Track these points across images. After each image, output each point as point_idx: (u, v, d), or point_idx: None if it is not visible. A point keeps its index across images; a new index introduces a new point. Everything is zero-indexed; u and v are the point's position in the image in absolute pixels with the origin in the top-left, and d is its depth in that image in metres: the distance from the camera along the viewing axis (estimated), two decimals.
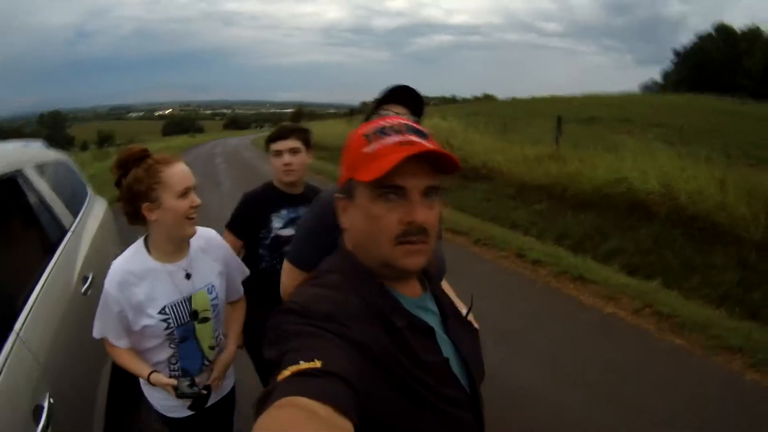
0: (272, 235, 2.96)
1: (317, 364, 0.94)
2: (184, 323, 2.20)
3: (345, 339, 1.06)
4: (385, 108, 2.19)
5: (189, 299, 2.20)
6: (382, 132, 1.24)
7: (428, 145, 1.20)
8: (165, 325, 2.14)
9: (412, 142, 1.20)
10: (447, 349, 1.32)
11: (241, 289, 2.63)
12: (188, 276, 2.21)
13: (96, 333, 2.19)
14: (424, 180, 1.21)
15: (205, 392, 2.16)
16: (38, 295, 2.64)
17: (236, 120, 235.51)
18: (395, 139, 1.22)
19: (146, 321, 2.10)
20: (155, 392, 2.31)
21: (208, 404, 2.39)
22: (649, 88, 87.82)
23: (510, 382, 4.36)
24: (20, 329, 2.27)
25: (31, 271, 2.85)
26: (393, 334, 1.19)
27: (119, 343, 2.18)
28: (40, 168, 3.64)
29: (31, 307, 2.50)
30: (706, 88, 53.04)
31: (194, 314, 2.22)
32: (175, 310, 2.16)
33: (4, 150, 3.50)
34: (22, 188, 3.17)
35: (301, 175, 2.96)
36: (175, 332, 2.17)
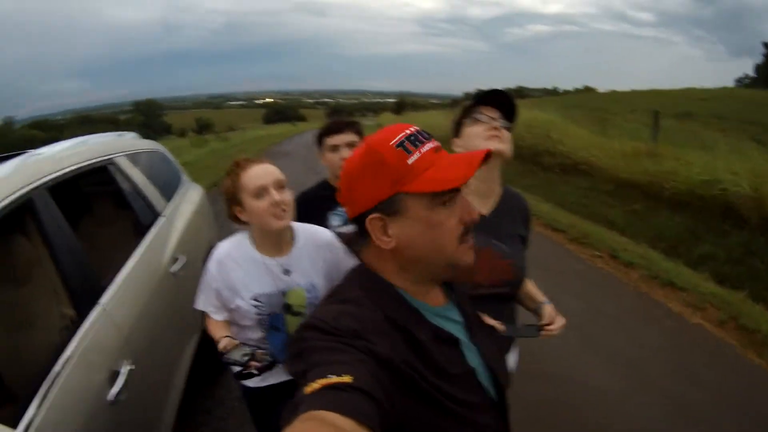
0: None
1: (346, 378, 0.94)
2: (276, 313, 2.26)
3: (371, 354, 1.06)
4: (479, 111, 2.14)
5: (285, 293, 2.25)
6: (416, 140, 1.21)
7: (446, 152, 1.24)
8: (256, 310, 2.22)
9: (440, 148, 1.24)
10: (473, 358, 1.32)
11: None
12: (286, 272, 2.26)
13: (197, 304, 2.34)
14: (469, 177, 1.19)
15: (256, 364, 2.12)
16: (127, 273, 2.92)
17: (338, 109, 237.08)
18: (429, 146, 1.22)
19: (239, 302, 2.21)
20: None
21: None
22: (743, 82, 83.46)
23: (588, 385, 4.37)
24: (107, 302, 2.55)
25: (122, 252, 3.14)
26: (416, 347, 1.19)
27: (216, 316, 2.31)
28: (132, 157, 3.95)
29: (120, 283, 2.78)
30: None
31: (287, 307, 2.26)
32: (267, 300, 2.22)
33: (96, 141, 3.81)
34: (114, 176, 3.48)
35: None
36: (266, 319, 2.26)
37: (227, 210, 2.24)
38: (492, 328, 1.57)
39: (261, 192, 2.11)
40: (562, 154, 13.23)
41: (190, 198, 5.00)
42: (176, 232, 4.03)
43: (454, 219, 1.22)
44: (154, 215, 3.84)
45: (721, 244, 7.71)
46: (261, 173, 2.15)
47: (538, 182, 12.83)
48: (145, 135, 5.06)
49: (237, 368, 2.09)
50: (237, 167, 2.19)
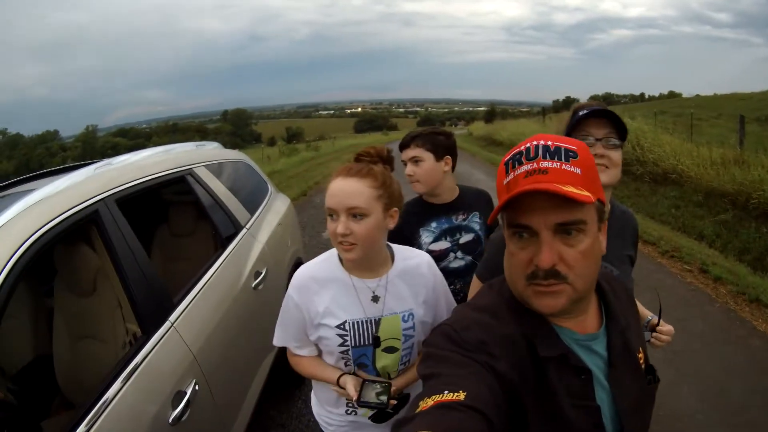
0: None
1: (461, 396, 0.94)
2: (362, 346, 1.95)
3: (491, 371, 1.05)
4: (585, 129, 1.92)
5: (377, 322, 1.95)
6: (517, 160, 1.13)
7: (557, 174, 1.08)
8: (340, 341, 1.93)
9: (541, 171, 1.09)
10: (602, 397, 1.21)
11: None
12: (375, 298, 1.95)
13: (276, 341, 2.08)
14: (554, 216, 1.07)
15: (395, 402, 1.88)
16: (201, 289, 2.80)
17: (430, 118, 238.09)
18: (525, 168, 1.11)
19: (322, 332, 1.93)
20: (322, 409, 2.18)
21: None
22: None
23: (670, 408, 4.14)
24: (176, 320, 2.43)
25: (199, 266, 3.04)
26: (538, 365, 1.14)
27: (302, 351, 2.04)
28: (213, 167, 3.88)
29: (192, 299, 2.66)
30: None
31: (376, 340, 1.95)
32: (355, 329, 1.93)
33: (175, 151, 3.75)
34: (192, 187, 3.40)
35: (433, 184, 2.69)
36: (350, 352, 1.95)
37: None
38: (643, 374, 1.35)
39: (332, 214, 1.82)
40: (652, 163, 12.83)
41: (276, 209, 4.91)
42: (259, 246, 3.93)
43: (524, 255, 1.13)
44: (236, 228, 3.75)
45: None
46: (336, 192, 1.81)
47: (628, 193, 12.47)
48: (234, 143, 5.02)
49: (372, 410, 1.87)
50: (333, 173, 1.88)
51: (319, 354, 2.05)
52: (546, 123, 26.01)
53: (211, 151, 4.27)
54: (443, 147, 2.69)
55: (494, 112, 71.26)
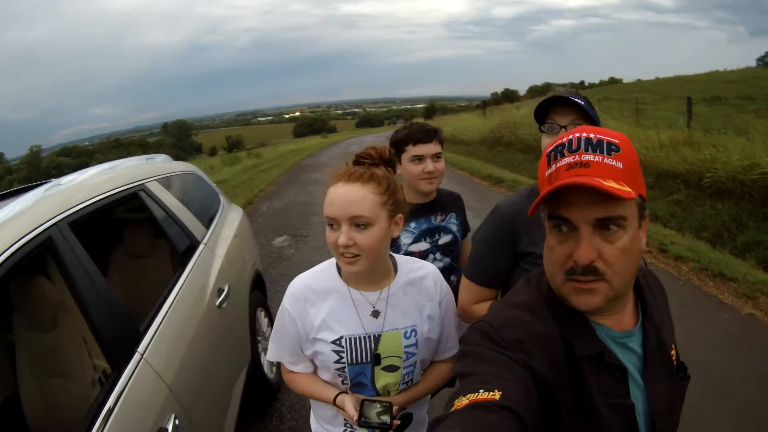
0: (402, 252, 2.56)
1: (496, 395, 0.95)
2: (359, 363, 1.80)
3: (528, 370, 1.06)
4: (551, 119, 1.98)
5: (376, 338, 1.80)
6: (560, 152, 1.12)
7: (599, 168, 1.06)
8: (336, 357, 1.78)
9: (582, 164, 1.07)
10: (636, 395, 1.21)
11: (455, 348, 1.97)
12: (375, 314, 1.80)
13: (270, 356, 1.93)
14: (594, 211, 1.06)
15: (398, 422, 1.74)
16: (166, 313, 2.61)
17: (368, 118, 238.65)
18: (567, 160, 1.10)
19: (317, 347, 1.79)
20: (320, 426, 2.01)
21: None
22: (765, 61, 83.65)
23: None
24: (144, 350, 2.25)
25: (161, 288, 2.85)
26: (574, 363, 1.13)
27: (297, 367, 1.89)
28: (164, 181, 3.66)
29: (158, 326, 2.47)
30: None
31: (376, 358, 1.80)
32: (352, 345, 1.78)
33: (124, 167, 3.52)
34: (145, 203, 3.19)
35: (440, 183, 2.62)
36: (346, 369, 1.80)
37: None
38: (674, 369, 1.34)
39: (332, 223, 1.66)
40: None
41: (230, 221, 4.71)
42: (218, 261, 3.75)
43: (563, 250, 1.11)
44: (193, 244, 3.55)
45: (765, 229, 7.63)
46: (337, 200, 1.65)
47: None
48: (176, 156, 4.81)
49: (373, 430, 1.71)
50: (331, 177, 1.72)
51: (315, 370, 1.90)
52: (487, 115, 26.18)
53: (161, 164, 4.02)
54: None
55: (433, 108, 71.24)
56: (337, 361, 1.78)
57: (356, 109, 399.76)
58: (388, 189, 1.69)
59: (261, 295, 4.78)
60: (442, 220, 2.66)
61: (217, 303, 3.26)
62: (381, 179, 1.69)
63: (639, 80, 46.36)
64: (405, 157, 2.54)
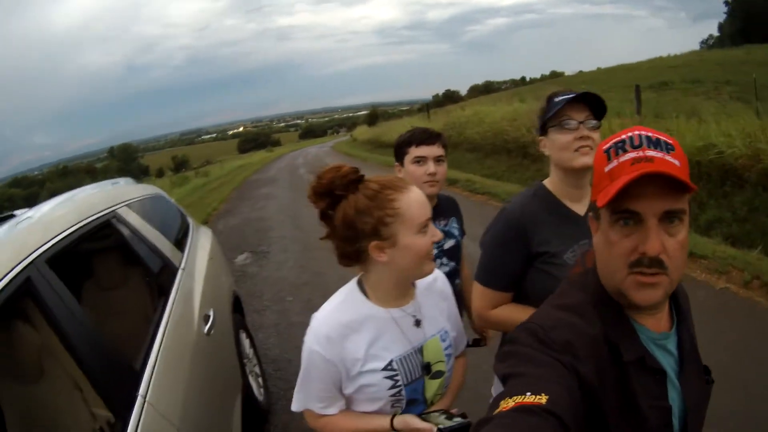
0: None
1: (543, 399, 0.94)
2: (415, 380, 1.71)
3: (575, 375, 1.06)
4: (566, 114, 1.95)
5: (420, 350, 1.72)
6: (621, 147, 1.13)
7: (663, 164, 1.07)
8: (391, 383, 1.65)
9: (647, 159, 1.08)
10: (674, 396, 1.22)
11: (464, 341, 2.06)
12: (418, 323, 1.73)
13: (296, 406, 1.75)
14: (662, 203, 1.07)
15: (469, 419, 1.63)
16: (160, 347, 2.39)
17: (311, 129, 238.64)
18: (631, 155, 1.10)
19: (366, 380, 1.64)
20: None
21: None
22: (708, 44, 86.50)
23: None
24: (146, 392, 2.02)
25: (148, 322, 2.62)
26: (619, 366, 1.14)
27: (331, 410, 1.71)
28: (135, 206, 3.42)
29: (155, 363, 2.24)
30: (758, 37, 51.91)
31: (426, 368, 1.73)
32: (404, 365, 1.68)
33: (90, 194, 3.23)
34: (120, 231, 2.95)
35: (442, 187, 2.55)
36: (402, 392, 1.68)
37: (344, 246, 1.64)
38: (703, 369, 1.34)
39: (426, 227, 1.60)
40: None
41: (202, 243, 4.48)
42: (199, 286, 3.53)
43: (627, 244, 1.11)
44: (172, 270, 3.32)
45: (725, 206, 7.80)
46: (425, 202, 1.61)
47: (531, 174, 12.79)
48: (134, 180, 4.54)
49: None
50: (384, 188, 1.58)
51: (352, 407, 1.73)
52: (431, 118, 26.19)
53: (128, 187, 3.77)
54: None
55: (376, 115, 71.49)
56: (391, 387, 1.66)
57: (298, 121, 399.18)
58: None
59: (240, 317, 4.55)
60: (445, 225, 2.61)
61: (206, 330, 3.04)
62: None
63: (581, 72, 46.97)
64: (407, 159, 2.49)
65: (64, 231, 2.25)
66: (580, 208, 2.03)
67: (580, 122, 1.93)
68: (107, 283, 3.33)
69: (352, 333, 1.63)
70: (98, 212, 2.74)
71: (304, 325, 1.68)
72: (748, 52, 39.77)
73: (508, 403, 0.95)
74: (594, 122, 1.95)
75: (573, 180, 2.00)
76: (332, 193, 1.60)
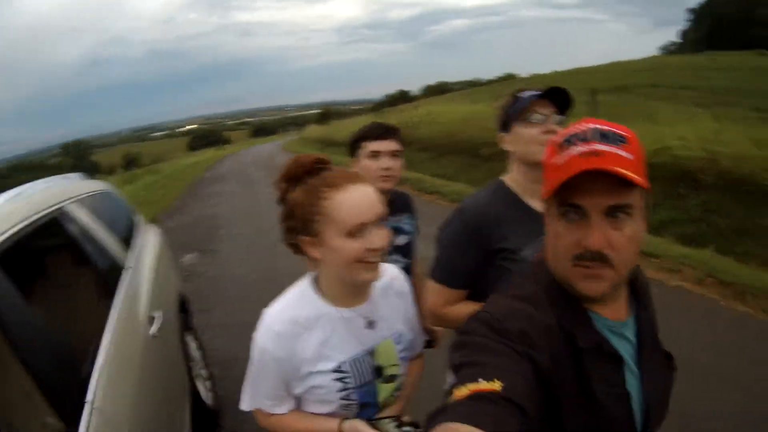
0: None
1: (496, 386, 0.93)
2: (366, 383, 1.66)
3: (530, 362, 1.05)
4: (532, 109, 1.97)
5: (372, 352, 1.67)
6: (569, 141, 1.12)
7: (611, 158, 1.06)
8: (340, 386, 1.61)
9: (595, 153, 1.06)
10: (632, 383, 1.22)
11: (421, 342, 2.00)
12: (371, 324, 1.67)
13: (246, 405, 1.69)
14: (606, 198, 1.07)
15: (420, 428, 1.59)
16: (107, 351, 2.28)
17: (263, 127, 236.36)
18: (579, 149, 1.09)
19: (315, 381, 1.60)
20: None
21: None
22: (668, 50, 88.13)
23: None
24: (93, 399, 1.92)
25: (95, 324, 2.50)
26: (575, 355, 1.14)
27: (280, 409, 1.66)
28: (84, 202, 3.29)
29: (102, 367, 2.14)
30: (723, 44, 53.17)
31: (378, 371, 1.68)
32: (354, 367, 1.63)
33: (39, 189, 3.06)
34: (67, 228, 2.83)
35: (397, 183, 2.52)
36: (353, 395, 1.63)
37: (285, 235, 1.60)
38: (665, 360, 1.36)
39: (359, 231, 1.48)
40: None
41: (150, 241, 4.35)
42: (145, 286, 3.42)
43: (571, 237, 1.11)
44: (120, 269, 3.21)
45: (679, 207, 8.00)
46: (365, 203, 1.49)
47: (482, 175, 12.97)
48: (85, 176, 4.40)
49: None
50: (322, 184, 1.51)
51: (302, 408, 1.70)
52: (384, 117, 26.18)
53: (78, 183, 3.61)
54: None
55: (328, 114, 71.14)
56: (341, 389, 1.61)
57: (250, 119, 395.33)
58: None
59: (187, 317, 4.43)
60: (398, 221, 2.58)
61: (152, 332, 2.93)
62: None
63: (536, 74, 47.25)
64: (362, 153, 2.46)
65: (12, 228, 2.13)
66: (540, 204, 1.93)
67: (547, 116, 1.95)
68: (55, 282, 3.20)
69: (303, 331, 1.58)
70: (47, 207, 2.63)
71: (251, 325, 1.64)
72: (713, 59, 40.62)
73: (462, 391, 0.94)
74: (559, 117, 1.96)
75: (536, 175, 1.91)
76: (291, 179, 1.57)
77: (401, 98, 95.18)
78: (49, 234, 2.69)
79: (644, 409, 1.24)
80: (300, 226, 1.54)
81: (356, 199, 1.49)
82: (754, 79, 25.50)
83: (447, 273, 2.06)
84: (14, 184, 2.96)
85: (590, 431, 1.14)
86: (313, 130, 48.01)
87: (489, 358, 1.03)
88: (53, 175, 3.86)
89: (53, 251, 3.17)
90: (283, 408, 1.67)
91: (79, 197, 3.26)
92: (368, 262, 1.51)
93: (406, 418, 1.62)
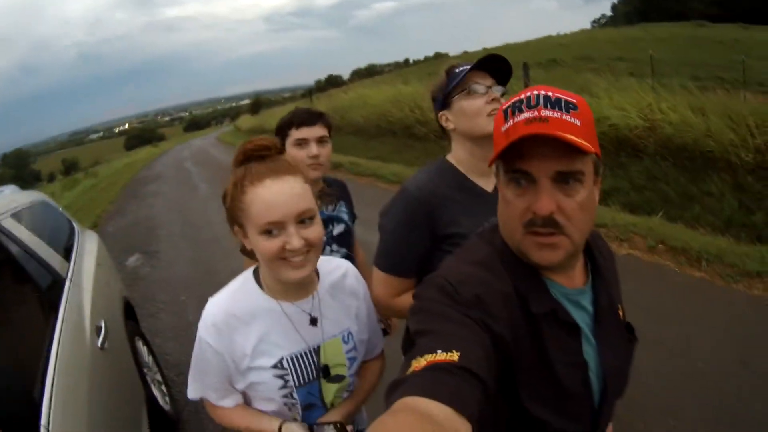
0: None
1: (454, 356, 0.91)
2: (308, 382, 1.59)
3: (486, 330, 1.03)
4: (473, 80, 1.85)
5: (317, 351, 1.59)
6: (518, 107, 1.08)
7: (557, 124, 1.03)
8: (281, 383, 1.55)
9: (541, 119, 1.04)
10: (589, 353, 1.20)
11: (381, 343, 1.90)
12: (314, 321, 1.59)
13: (192, 393, 1.63)
14: (554, 164, 1.04)
15: None
16: (54, 370, 2.17)
17: (195, 121, 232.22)
18: (526, 115, 1.06)
19: (254, 377, 1.54)
20: None
21: None
22: (599, 23, 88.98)
23: None
24: (48, 423, 1.82)
25: (40, 343, 2.37)
26: (531, 321, 1.12)
27: (225, 402, 1.61)
28: (19, 215, 3.15)
29: (51, 389, 2.03)
30: (655, 16, 53.49)
31: (324, 370, 1.61)
32: (296, 364, 1.56)
33: None
34: (5, 245, 2.69)
35: (327, 169, 2.42)
36: (294, 394, 1.57)
37: (228, 220, 1.51)
38: (626, 328, 1.34)
39: (272, 229, 1.39)
40: (434, 123, 13.16)
41: (89, 249, 4.17)
42: (88, 296, 3.27)
43: (521, 202, 1.09)
44: (59, 281, 3.06)
45: (622, 176, 7.95)
46: (277, 199, 1.38)
47: (417, 154, 12.86)
48: (18, 188, 4.25)
49: None
50: (244, 177, 1.42)
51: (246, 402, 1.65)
52: (314, 103, 25.97)
53: (11, 196, 3.45)
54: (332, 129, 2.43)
55: (259, 103, 70.19)
56: (282, 387, 1.55)
57: (183, 114, 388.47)
58: (308, 176, 1.50)
59: (134, 323, 4.29)
60: (333, 210, 2.50)
61: (99, 344, 2.81)
62: (298, 167, 1.49)
63: (466, 52, 46.94)
64: (288, 142, 2.33)
65: None
66: (488, 184, 1.90)
67: (489, 86, 1.84)
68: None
69: (241, 325, 1.51)
70: None
71: None
72: (645, 30, 40.23)
73: (420, 363, 0.92)
74: (500, 88, 1.86)
75: (484, 152, 1.85)
76: (235, 165, 1.50)
77: (331, 83, 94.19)
78: None
79: (602, 379, 1.21)
80: (230, 216, 1.48)
81: (269, 197, 1.39)
82: (690, 49, 25.87)
83: (393, 261, 1.92)
84: None
85: (546, 401, 1.12)
86: (246, 120, 47.32)
87: (445, 326, 1.01)
88: None
89: None
90: (228, 401, 1.62)
91: (14, 210, 3.11)
92: (290, 261, 1.42)
93: (349, 427, 1.60)
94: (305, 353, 1.57)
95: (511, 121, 1.08)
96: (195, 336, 1.54)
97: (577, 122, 1.05)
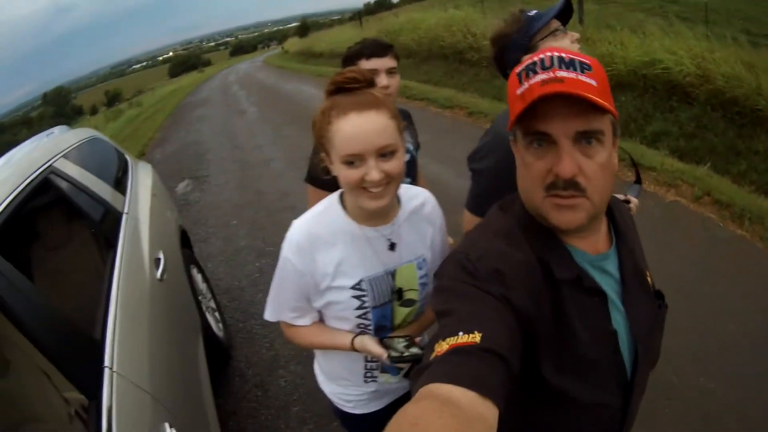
0: None
1: (476, 337, 0.89)
2: (383, 304, 1.63)
3: (508, 305, 0.99)
4: (555, 25, 1.87)
5: (392, 274, 1.62)
6: (532, 69, 1.04)
7: (573, 84, 0.99)
8: (358, 303, 1.59)
9: (557, 80, 0.99)
10: (619, 321, 1.14)
11: None
12: (392, 246, 1.62)
13: (270, 315, 1.69)
14: (573, 123, 1.00)
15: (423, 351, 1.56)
16: (116, 309, 2.18)
17: (241, 45, 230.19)
18: (541, 77, 1.01)
19: (333, 296, 1.59)
20: (335, 385, 1.87)
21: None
22: None
23: None
24: (112, 363, 1.84)
25: (100, 281, 2.38)
26: (554, 291, 1.07)
27: (302, 320, 1.68)
28: (72, 155, 3.12)
29: (114, 328, 2.04)
30: None
31: (398, 293, 1.65)
32: (373, 286, 1.59)
33: (24, 153, 2.85)
34: (59, 186, 2.67)
35: (395, 100, 2.29)
36: (370, 314, 1.62)
37: (315, 146, 1.56)
38: (652, 294, 1.26)
39: (354, 160, 1.41)
40: (486, 49, 12.74)
41: (143, 180, 4.15)
42: (145, 228, 3.28)
43: (541, 165, 1.04)
44: (117, 217, 3.07)
45: (672, 120, 7.57)
46: (359, 132, 1.39)
47: (468, 79, 12.51)
48: (60, 124, 4.23)
49: (403, 364, 1.58)
50: (331, 108, 1.43)
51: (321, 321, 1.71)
52: (364, 26, 25.32)
53: (63, 137, 3.38)
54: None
55: (306, 26, 68.83)
56: (358, 307, 1.60)
57: (228, 39, 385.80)
58: (395, 111, 1.48)
59: (190, 251, 4.34)
60: None
61: (158, 276, 2.84)
62: (386, 102, 1.47)
63: None
64: None
65: (6, 199, 2.01)
66: None
67: (565, 28, 1.88)
68: (54, 247, 2.96)
69: (324, 246, 1.55)
70: (36, 170, 2.46)
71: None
72: None
73: (442, 347, 0.91)
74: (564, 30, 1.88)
75: None
76: (330, 93, 1.50)
77: (381, 6, 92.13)
78: (43, 197, 2.55)
79: (633, 348, 1.17)
80: (317, 142, 1.50)
81: (351, 131, 1.40)
82: (743, 1, 24.66)
83: (479, 205, 1.90)
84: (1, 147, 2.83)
85: (569, 371, 1.09)
86: (293, 43, 46.22)
87: (466, 305, 0.99)
88: (37, 128, 3.71)
89: (49, 214, 3.00)
90: (305, 320, 1.68)
91: (66, 151, 3.08)
92: (368, 191, 1.44)
93: (418, 339, 1.60)
94: (382, 276, 1.61)
95: (527, 84, 1.03)
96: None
97: (594, 82, 1.00)
